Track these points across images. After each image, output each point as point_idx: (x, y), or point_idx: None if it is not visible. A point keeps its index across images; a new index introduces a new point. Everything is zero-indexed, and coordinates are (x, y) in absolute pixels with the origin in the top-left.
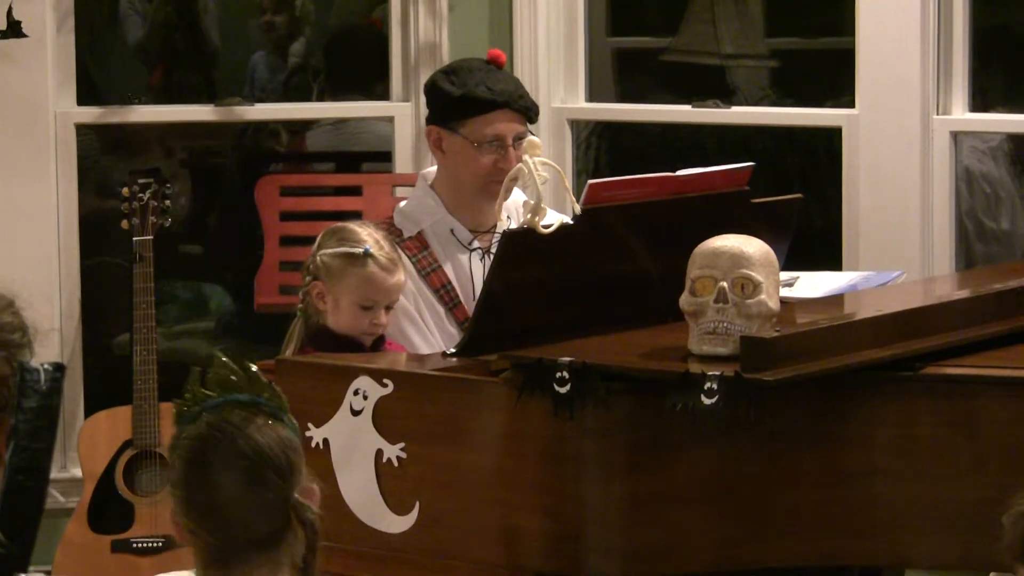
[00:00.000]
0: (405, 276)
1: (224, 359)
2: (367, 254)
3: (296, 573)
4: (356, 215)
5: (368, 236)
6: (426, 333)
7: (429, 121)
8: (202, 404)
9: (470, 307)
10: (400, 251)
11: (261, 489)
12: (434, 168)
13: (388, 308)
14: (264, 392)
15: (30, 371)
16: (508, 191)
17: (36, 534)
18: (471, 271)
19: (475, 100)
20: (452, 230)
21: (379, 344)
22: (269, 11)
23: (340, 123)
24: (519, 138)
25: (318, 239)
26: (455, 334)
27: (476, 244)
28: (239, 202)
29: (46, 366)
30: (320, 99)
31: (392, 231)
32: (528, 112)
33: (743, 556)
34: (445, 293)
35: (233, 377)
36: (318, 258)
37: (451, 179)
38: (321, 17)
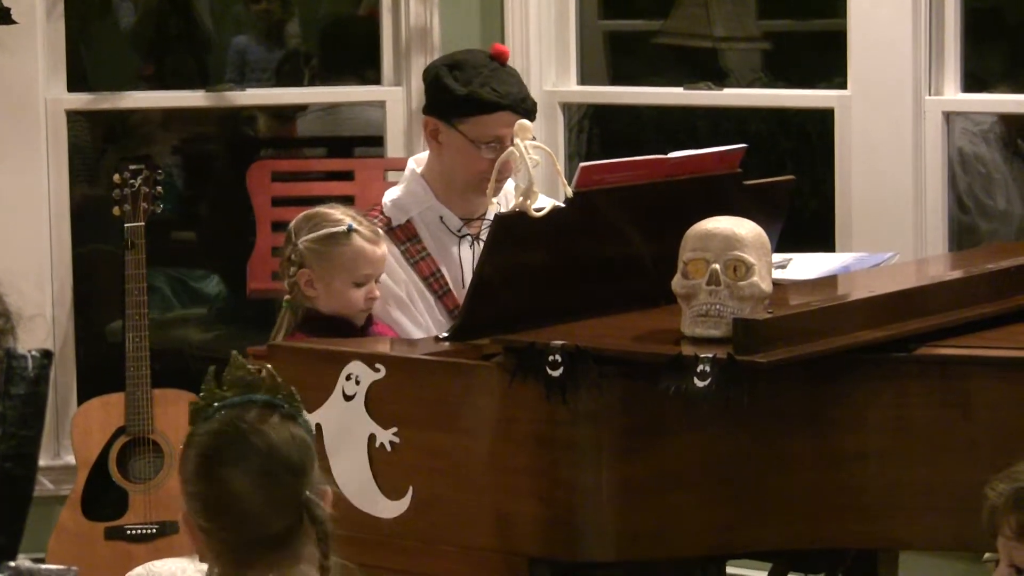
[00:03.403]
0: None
1: (241, 359)
2: (351, 230)
3: (310, 570)
4: (348, 200)
5: (344, 214)
6: (419, 319)
7: (427, 111)
8: (220, 403)
9: (460, 295)
10: (389, 239)
11: (274, 486)
12: (424, 155)
13: (377, 280)
14: (280, 392)
15: (18, 358)
16: (500, 183)
17: (25, 522)
18: (460, 259)
19: (480, 101)
20: (441, 217)
21: (368, 325)
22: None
23: (331, 108)
24: None
25: (291, 230)
26: (444, 322)
27: (466, 231)
28: (231, 188)
29: (34, 353)
30: (312, 84)
31: (380, 219)
32: (530, 115)
33: (737, 539)
34: (434, 281)
35: (250, 377)
36: (300, 246)
37: (444, 170)
38: (312, 1)
